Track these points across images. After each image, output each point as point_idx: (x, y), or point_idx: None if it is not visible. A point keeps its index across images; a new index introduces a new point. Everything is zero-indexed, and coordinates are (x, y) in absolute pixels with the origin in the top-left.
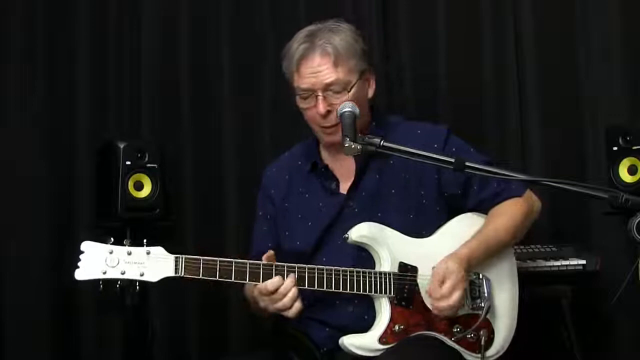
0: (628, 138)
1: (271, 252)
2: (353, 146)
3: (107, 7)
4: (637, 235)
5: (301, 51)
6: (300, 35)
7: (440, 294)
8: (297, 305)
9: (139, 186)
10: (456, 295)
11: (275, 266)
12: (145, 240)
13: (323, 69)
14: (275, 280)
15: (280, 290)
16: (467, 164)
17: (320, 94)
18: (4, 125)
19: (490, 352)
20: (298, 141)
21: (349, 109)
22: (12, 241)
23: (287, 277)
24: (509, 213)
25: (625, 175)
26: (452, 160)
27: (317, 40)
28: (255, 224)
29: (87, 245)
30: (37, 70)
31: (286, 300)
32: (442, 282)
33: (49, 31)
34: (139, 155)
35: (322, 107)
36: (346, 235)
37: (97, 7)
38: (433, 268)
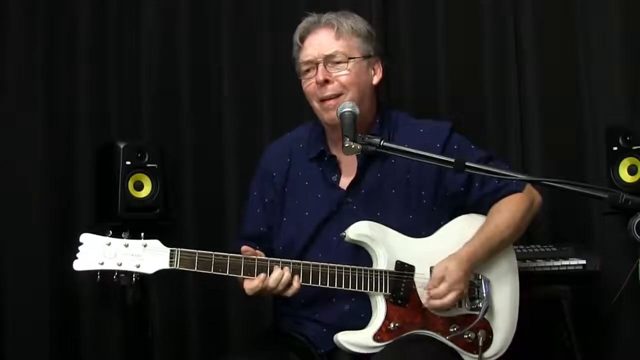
0: (628, 138)
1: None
2: (353, 146)
3: (107, 7)
4: (637, 235)
5: (306, 25)
6: (309, 17)
7: (434, 292)
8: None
9: (139, 186)
10: (450, 297)
11: (270, 261)
12: (142, 234)
13: (324, 41)
14: (275, 274)
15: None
16: (467, 164)
17: (320, 62)
18: (4, 125)
19: (489, 352)
20: None
21: (349, 109)
22: (12, 241)
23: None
24: (511, 209)
25: (625, 175)
26: (452, 160)
27: (323, 17)
28: (247, 203)
29: (85, 237)
30: (37, 70)
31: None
32: (440, 282)
33: (49, 30)
34: (139, 155)
35: (320, 75)
36: (343, 234)
37: (97, 7)
38: (431, 268)
